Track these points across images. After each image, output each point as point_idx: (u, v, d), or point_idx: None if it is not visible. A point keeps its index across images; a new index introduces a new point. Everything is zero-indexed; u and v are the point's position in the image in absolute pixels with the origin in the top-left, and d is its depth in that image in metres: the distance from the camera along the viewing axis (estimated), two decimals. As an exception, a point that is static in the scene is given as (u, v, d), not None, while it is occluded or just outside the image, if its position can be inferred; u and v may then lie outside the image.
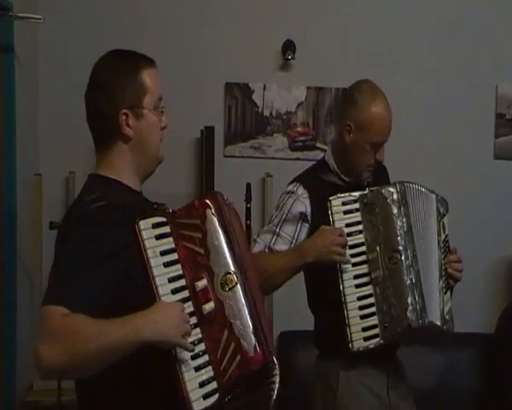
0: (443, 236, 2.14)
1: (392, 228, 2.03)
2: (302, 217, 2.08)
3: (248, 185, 3.07)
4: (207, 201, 1.45)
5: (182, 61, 3.34)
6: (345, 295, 1.99)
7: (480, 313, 3.42)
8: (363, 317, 1.99)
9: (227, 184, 3.24)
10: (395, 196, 2.04)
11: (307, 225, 2.09)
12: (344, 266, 2.00)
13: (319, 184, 2.12)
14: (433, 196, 2.14)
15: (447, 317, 2.10)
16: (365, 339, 1.99)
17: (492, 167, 3.48)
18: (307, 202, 2.09)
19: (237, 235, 1.50)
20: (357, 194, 2.05)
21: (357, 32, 3.42)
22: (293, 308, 3.13)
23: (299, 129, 3.44)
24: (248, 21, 3.40)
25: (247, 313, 1.41)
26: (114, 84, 1.48)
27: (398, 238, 2.02)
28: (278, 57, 3.38)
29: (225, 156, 3.40)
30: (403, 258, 2.01)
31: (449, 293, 2.12)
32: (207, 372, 1.37)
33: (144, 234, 1.38)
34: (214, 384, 1.37)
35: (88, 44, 3.25)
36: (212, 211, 1.43)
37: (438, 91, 3.44)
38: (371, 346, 1.99)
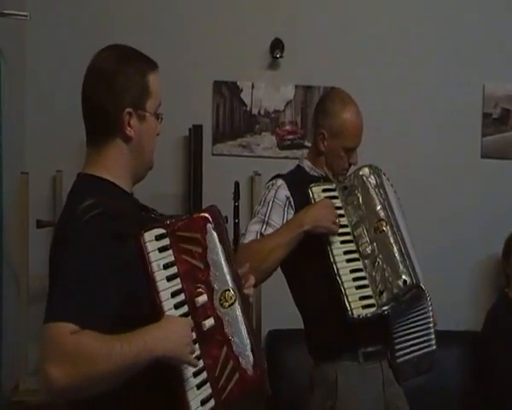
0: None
1: (373, 201, 2.09)
2: (288, 201, 2.11)
3: (237, 184, 3.06)
4: (207, 215, 1.42)
5: (170, 60, 3.32)
6: (338, 268, 2.01)
7: (467, 310, 3.44)
8: (358, 287, 2.01)
9: (215, 182, 3.24)
10: (372, 175, 2.12)
11: (292, 211, 2.11)
12: (333, 244, 2.03)
13: (297, 179, 2.18)
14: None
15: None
16: (363, 307, 2.00)
17: (479, 166, 3.50)
18: (287, 191, 2.13)
19: (230, 252, 1.47)
20: (334, 184, 2.13)
21: (345, 31, 3.43)
22: (280, 307, 3.13)
23: (288, 128, 3.44)
24: (237, 20, 3.39)
25: (245, 330, 1.40)
26: (120, 81, 1.42)
27: (380, 208, 2.08)
28: (266, 56, 3.38)
29: (213, 155, 3.39)
30: (388, 226, 2.06)
31: None
32: (206, 390, 1.36)
33: (149, 246, 1.35)
34: (212, 402, 1.36)
35: (75, 42, 3.24)
36: (213, 225, 1.41)
37: (425, 91, 3.45)
38: (369, 315, 1.99)
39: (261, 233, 2.07)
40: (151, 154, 1.49)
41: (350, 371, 2.08)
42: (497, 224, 3.37)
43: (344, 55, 3.41)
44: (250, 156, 3.41)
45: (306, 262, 2.07)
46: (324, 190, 2.10)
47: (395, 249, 2.04)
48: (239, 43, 3.38)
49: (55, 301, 1.28)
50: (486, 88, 3.48)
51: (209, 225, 1.41)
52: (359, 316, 1.98)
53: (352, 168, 2.21)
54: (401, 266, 2.02)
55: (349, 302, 1.99)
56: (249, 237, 2.08)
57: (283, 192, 2.13)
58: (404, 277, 2.00)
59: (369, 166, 2.14)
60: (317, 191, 2.08)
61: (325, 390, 2.10)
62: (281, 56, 3.33)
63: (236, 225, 2.94)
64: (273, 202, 2.11)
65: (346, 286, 2.00)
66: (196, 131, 3.17)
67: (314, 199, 2.07)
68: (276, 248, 2.01)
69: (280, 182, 2.16)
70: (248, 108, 3.42)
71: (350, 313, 1.98)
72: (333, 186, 2.12)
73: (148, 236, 1.35)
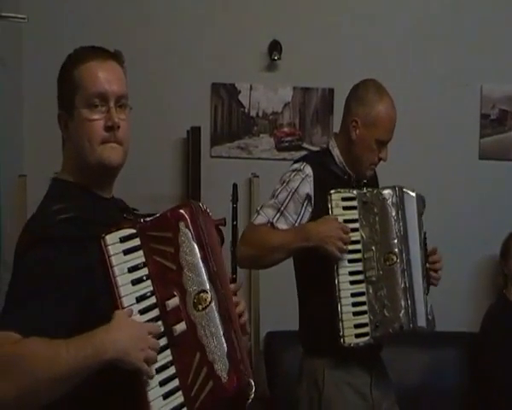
0: (422, 234, 2.16)
1: (389, 230, 2.05)
2: (308, 199, 2.08)
3: (235, 186, 3.06)
4: (181, 211, 1.34)
5: (168, 62, 3.32)
6: (339, 290, 2.00)
7: (465, 312, 3.45)
8: (355, 314, 2.01)
9: (213, 184, 3.24)
10: (394, 199, 2.07)
11: (310, 209, 2.08)
12: (340, 261, 2.00)
13: (323, 171, 2.12)
14: (415, 195, 2.16)
15: (430, 317, 2.13)
16: (356, 336, 2.00)
17: (477, 167, 3.50)
18: (312, 185, 2.08)
19: (212, 247, 1.38)
20: (355, 192, 2.06)
21: (343, 32, 3.43)
22: (279, 309, 3.13)
23: (286, 129, 3.44)
24: (235, 22, 3.39)
25: (221, 334, 1.32)
26: (58, 82, 1.45)
27: (396, 241, 2.05)
28: (264, 58, 3.38)
29: (212, 157, 3.39)
30: (398, 261, 2.04)
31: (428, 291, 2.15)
32: (177, 398, 1.28)
33: (111, 250, 1.26)
34: None
35: (73, 45, 3.22)
36: (186, 223, 1.33)
37: (423, 92, 3.45)
38: (361, 344, 2.01)
39: (272, 223, 2.06)
40: (88, 148, 1.38)
41: (337, 368, 2.09)
42: (495, 225, 3.37)
43: (342, 56, 3.41)
44: (248, 158, 3.41)
45: (315, 261, 2.04)
46: (344, 199, 2.03)
47: (400, 287, 2.03)
48: (237, 44, 3.38)
49: (3, 310, 1.23)
50: (484, 89, 3.48)
51: (181, 223, 1.32)
52: (350, 344, 2.00)
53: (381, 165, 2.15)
54: (402, 308, 2.02)
55: (343, 329, 1.99)
56: (260, 220, 2.07)
57: (306, 189, 2.07)
58: (402, 320, 2.02)
59: (393, 189, 2.08)
60: (336, 199, 2.02)
61: (312, 383, 2.11)
62: (279, 58, 3.33)
63: (234, 228, 2.93)
64: (293, 194, 2.07)
65: (343, 311, 1.99)
66: (194, 133, 3.17)
67: (332, 207, 2.01)
68: (279, 249, 2.02)
69: (308, 171, 2.09)
70: (246, 110, 3.42)
71: (342, 340, 1.99)
72: (353, 194, 2.05)
73: (110, 239, 1.27)
